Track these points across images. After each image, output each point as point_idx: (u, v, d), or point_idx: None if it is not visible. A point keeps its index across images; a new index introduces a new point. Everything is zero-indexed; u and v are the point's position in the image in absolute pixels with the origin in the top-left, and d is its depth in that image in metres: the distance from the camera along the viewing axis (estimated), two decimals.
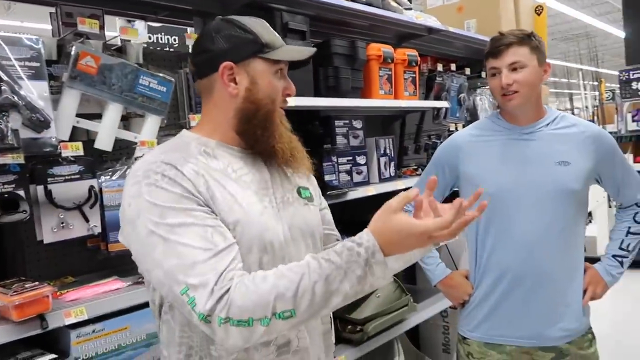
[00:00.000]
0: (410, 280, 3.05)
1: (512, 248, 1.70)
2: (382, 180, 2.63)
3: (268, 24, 1.16)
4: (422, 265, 1.94)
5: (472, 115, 3.32)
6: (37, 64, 1.48)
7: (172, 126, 1.96)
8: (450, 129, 3.22)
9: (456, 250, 2.83)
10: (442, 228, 0.88)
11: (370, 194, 2.42)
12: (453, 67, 3.24)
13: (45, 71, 1.49)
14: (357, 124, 2.52)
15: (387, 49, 2.51)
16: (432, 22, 2.83)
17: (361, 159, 2.51)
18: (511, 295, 1.72)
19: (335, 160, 2.30)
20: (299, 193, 1.19)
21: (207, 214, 0.95)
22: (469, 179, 1.80)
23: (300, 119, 2.42)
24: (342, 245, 0.93)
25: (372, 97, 2.51)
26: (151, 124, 1.79)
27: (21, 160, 1.42)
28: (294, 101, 2.04)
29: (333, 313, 1.11)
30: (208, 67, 1.08)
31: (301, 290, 0.88)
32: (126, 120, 1.83)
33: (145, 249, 0.93)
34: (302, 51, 1.19)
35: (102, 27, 1.78)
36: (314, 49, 1.21)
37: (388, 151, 2.70)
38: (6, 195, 1.46)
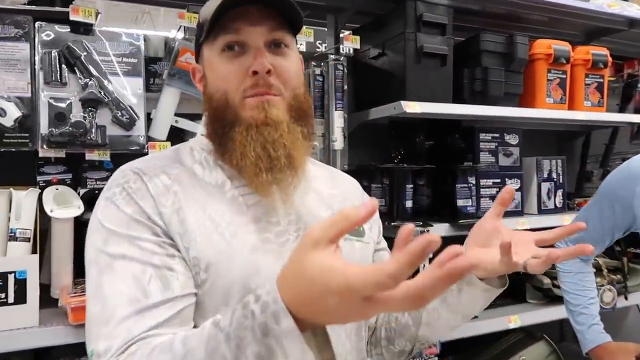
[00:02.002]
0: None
1: None
2: (542, 211, 2.09)
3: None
4: (571, 322, 1.46)
5: None
6: (135, 60, 1.44)
7: None
8: None
9: None
10: (379, 285, 0.47)
11: (522, 228, 1.92)
12: None
13: (142, 68, 1.45)
14: (512, 139, 2.03)
15: (559, 45, 1.98)
16: (635, 11, 2.16)
17: (514, 183, 2.02)
18: None
19: (475, 182, 1.86)
20: None
21: (157, 247, 0.71)
22: None
23: (436, 129, 2.07)
24: (244, 300, 0.59)
25: (536, 106, 2.00)
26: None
27: (106, 158, 1.39)
28: (426, 107, 1.71)
29: None
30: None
31: None
32: None
33: (86, 278, 0.73)
34: None
35: None
36: None
37: (555, 175, 2.14)
38: (97, 192, 1.45)
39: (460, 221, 1.78)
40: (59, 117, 1.31)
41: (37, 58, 1.34)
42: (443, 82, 1.82)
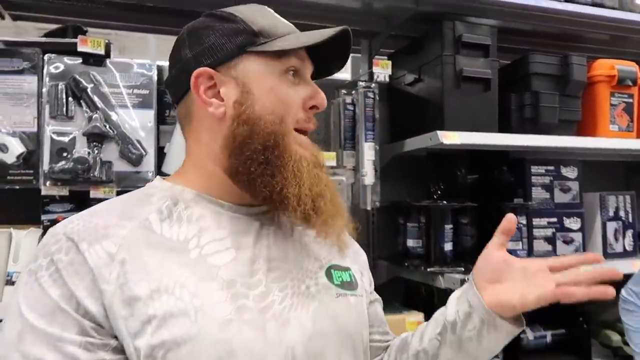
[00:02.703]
0: None
1: None
2: (609, 255, 1.81)
3: (270, 9, 0.75)
4: None
5: None
6: (146, 92, 1.36)
7: (335, 167, 1.66)
8: None
9: None
10: None
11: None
12: None
13: (153, 99, 1.37)
14: (570, 172, 1.79)
15: (624, 66, 1.74)
16: None
17: (573, 222, 1.76)
18: None
19: (525, 221, 1.63)
20: (329, 277, 0.73)
21: (83, 352, 0.56)
22: None
23: (481, 162, 1.86)
24: None
25: (598, 134, 1.76)
26: None
27: (112, 195, 1.30)
28: (467, 138, 1.53)
29: None
30: (180, 83, 0.72)
31: None
32: None
33: None
34: (318, 34, 0.70)
35: None
36: (344, 27, 0.72)
37: (623, 213, 1.86)
38: None
39: None
40: (60, 152, 1.24)
41: (44, 91, 1.28)
42: (487, 109, 1.63)
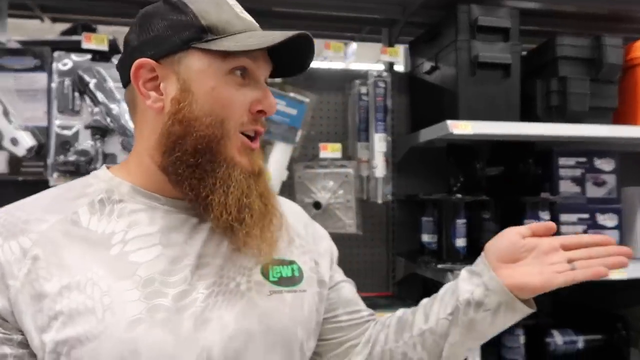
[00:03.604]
0: None
1: None
2: None
3: (234, 2, 0.71)
4: None
5: None
6: None
7: (341, 159, 1.63)
8: None
9: None
10: None
11: (619, 277, 1.51)
12: None
13: None
14: (605, 164, 1.64)
15: None
16: None
17: (608, 219, 1.62)
18: None
19: (549, 217, 1.52)
20: (265, 273, 0.70)
21: None
22: None
23: (507, 154, 1.75)
24: None
25: (638, 122, 1.60)
26: (278, 152, 1.50)
27: None
28: (481, 127, 1.44)
29: None
30: (125, 68, 0.70)
31: None
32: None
33: None
34: (271, 38, 0.66)
35: None
36: (300, 32, 0.67)
37: None
38: None
39: None
40: (64, 145, 1.30)
41: (53, 87, 1.34)
42: (507, 96, 1.53)
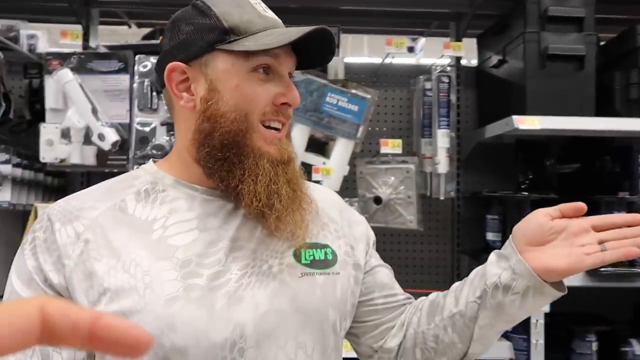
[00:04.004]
0: None
1: None
2: None
3: (251, 1, 0.74)
4: None
5: None
6: None
7: (405, 154, 1.65)
8: None
9: None
10: None
11: None
12: None
13: None
14: None
15: None
16: None
17: None
18: None
19: None
20: (297, 256, 0.73)
21: None
22: None
23: (579, 150, 1.65)
24: None
25: None
26: (340, 148, 1.54)
27: None
28: (550, 122, 1.38)
29: None
30: (160, 72, 0.75)
31: None
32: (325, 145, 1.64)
33: None
34: (287, 35, 0.69)
35: None
36: (318, 27, 0.69)
37: None
38: None
39: (602, 269, 1.37)
40: (142, 140, 1.42)
41: (134, 87, 1.47)
42: (581, 90, 1.45)
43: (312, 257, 0.74)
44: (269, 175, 0.70)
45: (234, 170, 0.70)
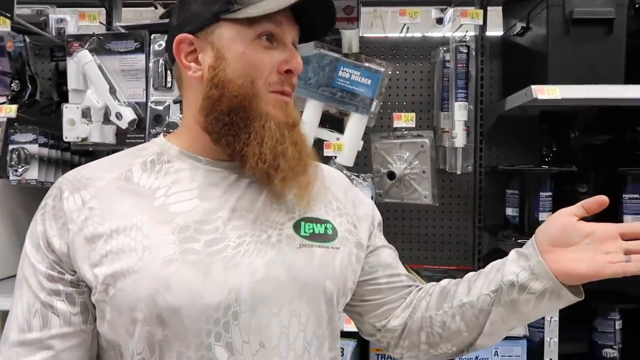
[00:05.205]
0: None
1: None
2: None
3: None
4: None
5: None
6: None
7: (423, 128, 1.62)
8: None
9: None
10: None
11: None
12: None
13: None
14: None
15: None
16: None
17: None
18: None
19: None
20: (296, 228, 0.74)
21: (46, 281, 0.70)
22: None
23: (607, 121, 1.55)
24: None
25: None
26: (354, 123, 1.52)
27: None
28: (571, 92, 1.31)
29: None
30: (169, 47, 0.78)
31: None
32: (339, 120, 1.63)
33: None
34: None
35: None
36: None
37: None
38: None
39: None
40: (157, 118, 1.45)
41: (150, 66, 1.50)
42: (610, 57, 1.37)
43: (311, 231, 0.76)
44: (275, 137, 0.72)
45: (240, 134, 0.72)
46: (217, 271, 0.67)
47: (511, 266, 0.74)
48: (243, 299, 0.67)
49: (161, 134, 0.83)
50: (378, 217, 0.91)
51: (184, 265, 0.67)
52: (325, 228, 0.77)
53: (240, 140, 0.72)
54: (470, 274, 0.82)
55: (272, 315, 0.69)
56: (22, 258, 0.74)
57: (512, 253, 0.76)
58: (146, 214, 0.70)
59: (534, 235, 0.75)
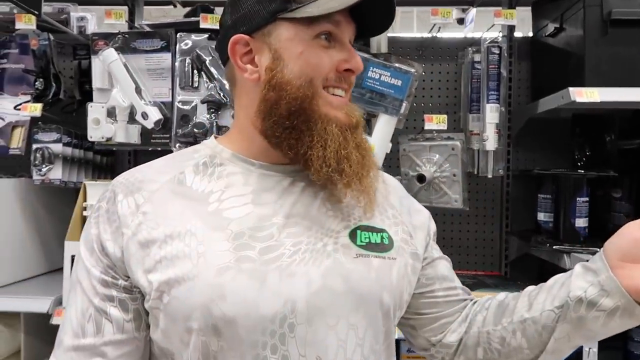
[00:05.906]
0: None
1: None
2: None
3: None
4: None
5: None
6: None
7: (449, 130, 1.58)
8: None
9: None
10: None
11: None
12: None
13: None
14: None
15: None
16: None
17: None
18: None
19: None
20: (352, 237, 0.71)
21: (101, 286, 0.68)
22: None
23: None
24: None
25: None
26: (382, 124, 1.48)
27: None
28: (611, 94, 1.28)
29: None
30: (223, 48, 0.75)
31: None
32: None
33: None
34: None
35: None
36: None
37: None
38: None
39: None
40: (184, 118, 1.42)
41: (176, 65, 1.47)
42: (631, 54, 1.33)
43: (367, 240, 0.73)
44: (338, 140, 0.70)
45: (303, 138, 0.70)
46: (273, 281, 0.65)
47: (578, 281, 0.70)
48: (299, 310, 0.65)
49: (212, 136, 0.81)
50: (433, 227, 0.88)
51: (239, 273, 0.64)
52: (382, 237, 0.74)
53: (303, 143, 0.70)
54: (530, 287, 0.78)
55: (329, 328, 0.66)
56: (76, 261, 0.72)
57: (578, 267, 0.72)
58: (200, 219, 0.68)
59: (602, 249, 0.70)
